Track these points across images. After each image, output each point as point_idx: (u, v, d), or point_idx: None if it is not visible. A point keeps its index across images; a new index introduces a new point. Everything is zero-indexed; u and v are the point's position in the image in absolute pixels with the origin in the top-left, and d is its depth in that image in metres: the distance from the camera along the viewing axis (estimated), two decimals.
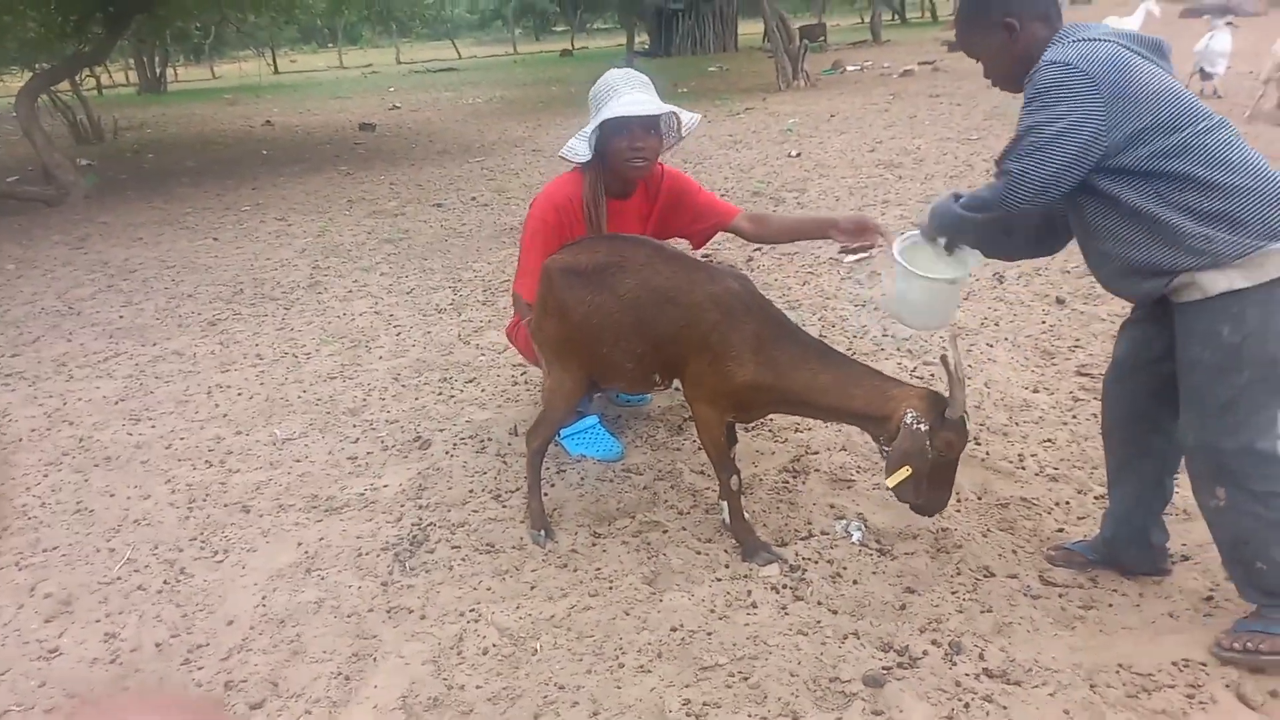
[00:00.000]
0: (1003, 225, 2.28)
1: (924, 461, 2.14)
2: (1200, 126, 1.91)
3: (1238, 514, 2.01)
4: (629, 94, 2.83)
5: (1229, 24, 10.63)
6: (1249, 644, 2.04)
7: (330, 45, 52.27)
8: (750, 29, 33.37)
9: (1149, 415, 2.21)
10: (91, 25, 12.61)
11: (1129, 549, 2.34)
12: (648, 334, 2.51)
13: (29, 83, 10.80)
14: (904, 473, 2.14)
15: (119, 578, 2.74)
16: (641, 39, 30.48)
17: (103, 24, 12.45)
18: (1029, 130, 1.96)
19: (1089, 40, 1.97)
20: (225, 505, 3.14)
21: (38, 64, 15.43)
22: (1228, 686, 2.00)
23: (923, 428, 2.13)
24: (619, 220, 3.07)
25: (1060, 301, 4.47)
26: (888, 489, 2.22)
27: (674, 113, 2.95)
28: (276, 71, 40.59)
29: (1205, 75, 10.58)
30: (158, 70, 31.23)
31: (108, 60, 19.52)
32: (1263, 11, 22.51)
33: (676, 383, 2.66)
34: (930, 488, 2.22)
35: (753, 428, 3.38)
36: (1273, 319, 1.90)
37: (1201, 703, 1.97)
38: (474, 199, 8.44)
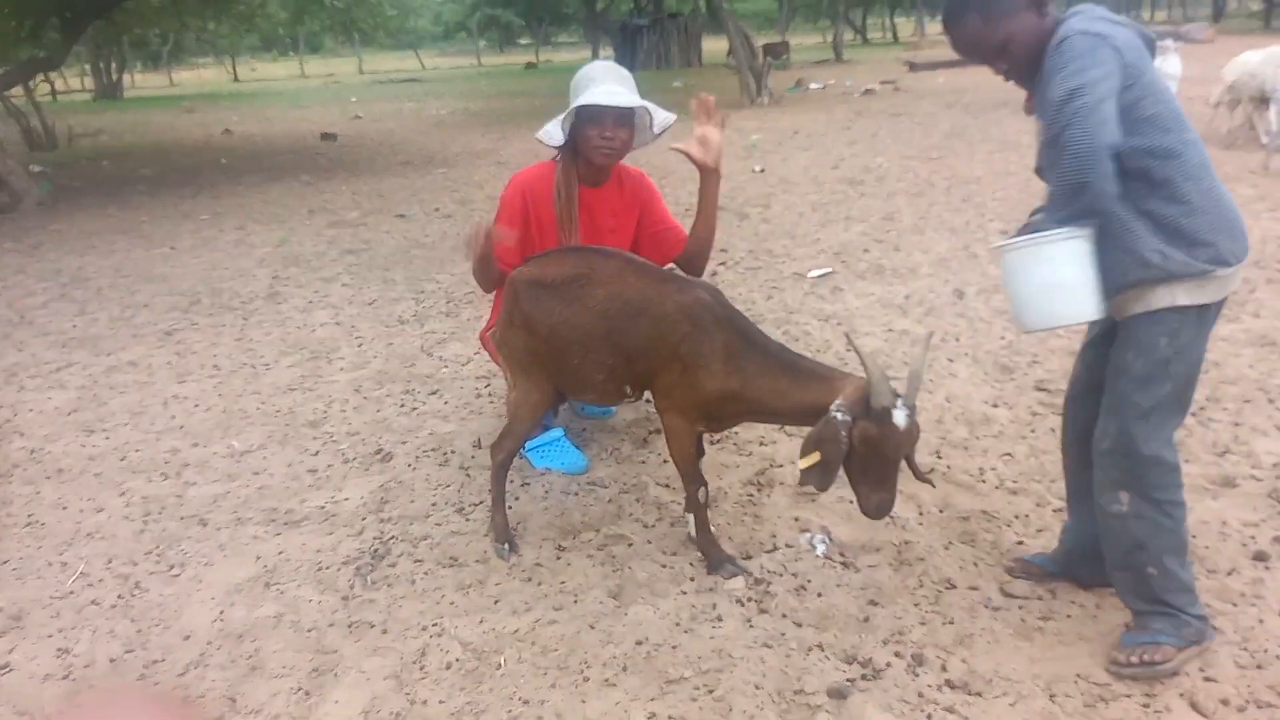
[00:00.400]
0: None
1: (835, 450, 2.11)
2: (1188, 136, 1.94)
3: (1139, 520, 2.06)
4: (607, 85, 2.90)
5: (1175, 49, 10.89)
6: (1143, 656, 2.09)
7: (292, 54, 51.80)
8: (715, 45, 33.66)
9: None
10: (48, 30, 12.39)
11: (1086, 562, 2.38)
12: (619, 346, 2.50)
13: None
14: (813, 458, 2.15)
15: (72, 592, 2.67)
16: (606, 53, 30.62)
17: (59, 29, 12.24)
18: (1077, 91, 1.81)
19: (1110, 20, 1.95)
20: (181, 518, 3.08)
21: None
22: (1182, 695, 2.05)
23: (840, 416, 2.11)
24: (592, 207, 3.12)
25: None
26: (799, 470, 2.20)
27: (647, 109, 2.99)
28: (236, 79, 40.12)
29: None
30: (114, 76, 30.73)
31: (63, 66, 19.15)
32: (1210, 39, 23.19)
33: (647, 395, 2.65)
34: (863, 482, 2.16)
35: (717, 440, 3.39)
36: (1198, 339, 2.01)
37: (1157, 711, 2.01)
38: (437, 210, 8.40)
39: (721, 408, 2.44)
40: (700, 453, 2.72)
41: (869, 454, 2.11)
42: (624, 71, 3.01)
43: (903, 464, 2.21)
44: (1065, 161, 1.84)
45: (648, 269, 2.58)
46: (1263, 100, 8.38)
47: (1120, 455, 2.05)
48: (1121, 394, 2.04)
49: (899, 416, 2.07)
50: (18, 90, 13.56)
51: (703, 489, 2.59)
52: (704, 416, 2.50)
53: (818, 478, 2.15)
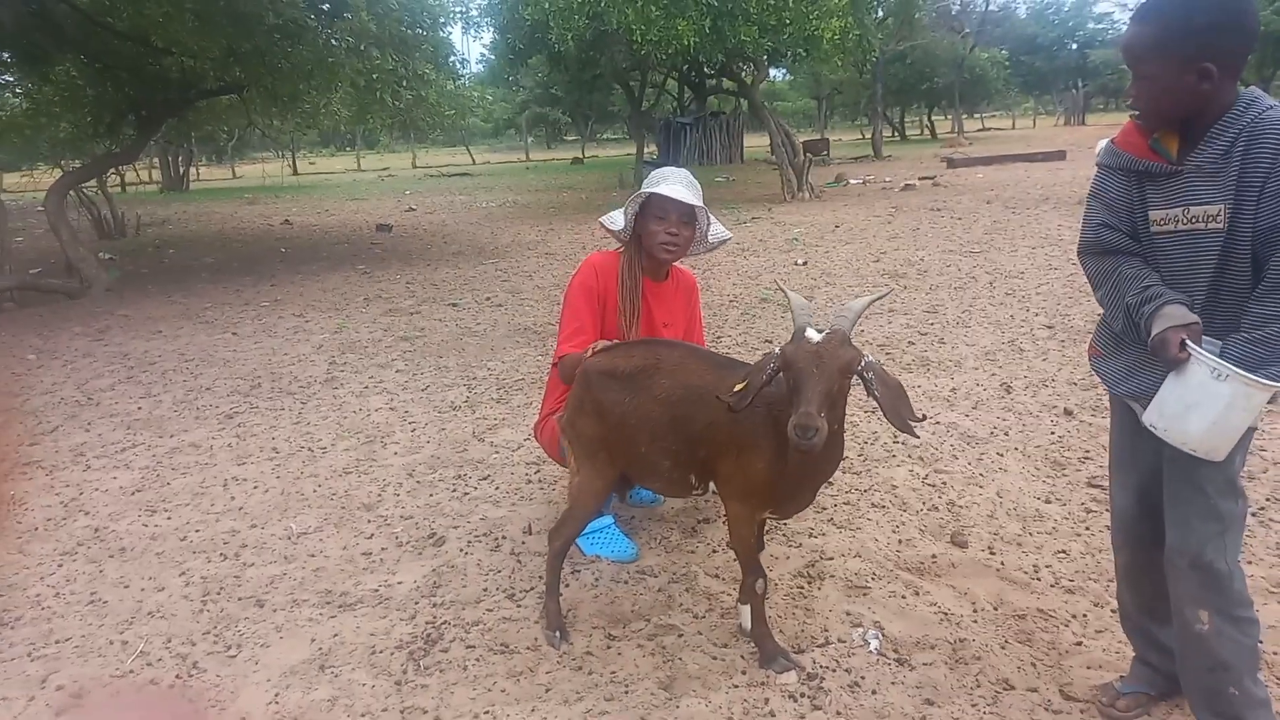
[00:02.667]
0: None
1: (758, 376, 2.22)
2: None
3: (1220, 639, 2.01)
4: (676, 185, 3.11)
5: None
6: None
7: (349, 149, 53.97)
8: (756, 142, 34.47)
9: None
10: (124, 127, 13.11)
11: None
12: (682, 433, 2.56)
13: (60, 180, 11.17)
14: (742, 384, 2.26)
15: (131, 671, 2.72)
16: (650, 149, 31.50)
17: (134, 126, 12.95)
18: None
19: None
20: (239, 599, 3.13)
21: (67, 161, 16.01)
22: None
23: (777, 350, 2.22)
24: (656, 299, 3.28)
25: (1069, 413, 4.53)
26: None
27: (708, 215, 3.19)
28: (296, 173, 41.80)
29: None
30: (181, 169, 32.20)
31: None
32: None
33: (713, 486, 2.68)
34: (791, 404, 2.13)
35: (767, 531, 3.39)
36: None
37: None
38: (488, 299, 8.61)
39: (778, 490, 2.45)
40: (760, 545, 2.73)
41: (787, 371, 2.16)
42: (694, 180, 3.20)
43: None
44: None
45: (709, 357, 2.67)
46: None
47: (1198, 572, 2.01)
48: (1197, 508, 2.01)
49: (810, 333, 2.16)
50: (90, 181, 14.29)
51: (761, 580, 2.58)
52: (764, 502, 2.51)
53: (738, 397, 2.25)
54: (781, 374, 2.19)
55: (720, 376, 2.52)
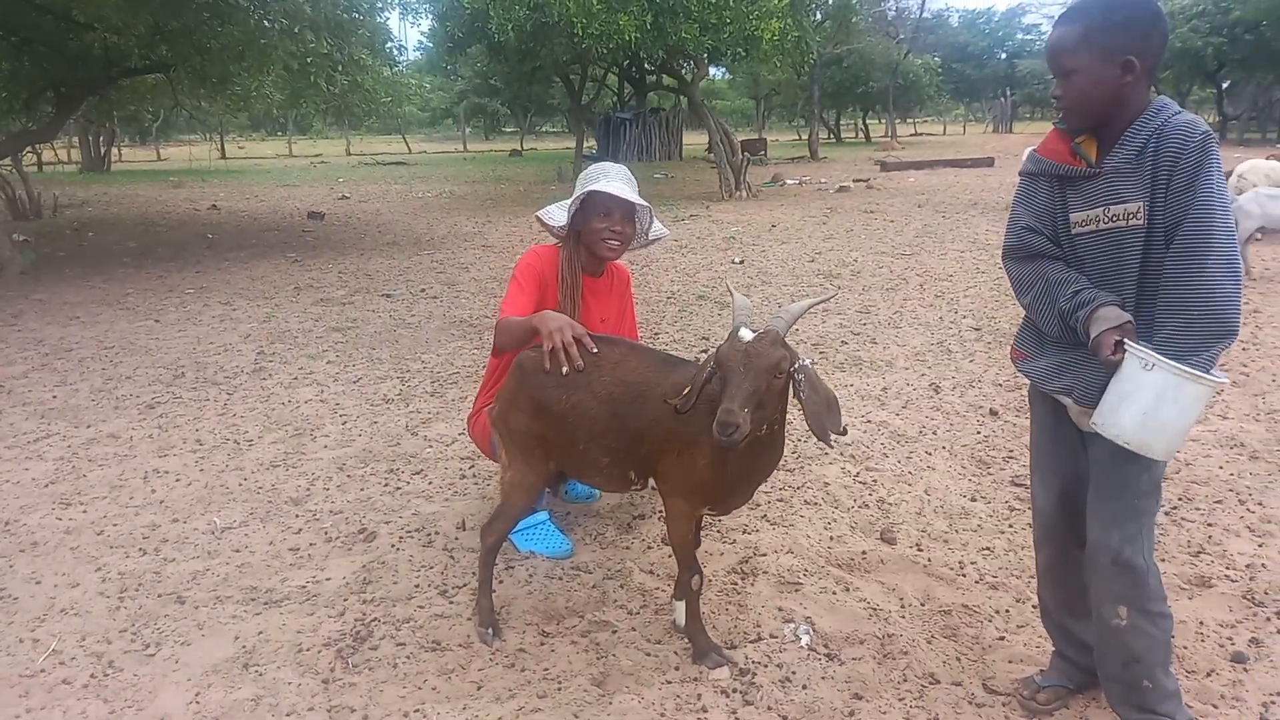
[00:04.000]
0: None
1: (700, 376, 2.29)
2: None
3: (1135, 633, 2.10)
4: (617, 182, 3.09)
5: None
6: None
7: (280, 134, 52.64)
8: (695, 139, 34.65)
9: None
10: (42, 104, 12.57)
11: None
12: (623, 429, 2.54)
13: None
14: (686, 388, 2.32)
15: (43, 670, 2.62)
16: (590, 144, 31.40)
17: (53, 103, 12.43)
18: (1228, 221, 1.90)
19: None
20: (159, 595, 3.03)
21: None
22: None
23: (715, 350, 2.27)
24: (594, 294, 3.25)
25: (994, 413, 4.65)
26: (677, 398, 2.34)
27: (650, 212, 3.20)
28: (224, 157, 40.60)
29: None
30: (102, 149, 31.01)
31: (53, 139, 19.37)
32: None
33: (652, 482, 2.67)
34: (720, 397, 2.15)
35: (702, 529, 3.41)
36: None
37: None
38: (423, 291, 8.49)
39: (718, 487, 2.47)
40: (696, 542, 2.75)
41: (718, 369, 2.20)
42: (631, 177, 3.19)
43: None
44: (1220, 303, 1.87)
45: (649, 354, 2.66)
46: None
47: (1122, 568, 2.08)
48: (1124, 507, 2.08)
49: (743, 332, 2.20)
50: (4, 160, 13.67)
51: (697, 577, 2.60)
52: (704, 499, 2.52)
53: (684, 399, 2.31)
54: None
55: (662, 374, 2.53)
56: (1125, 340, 1.93)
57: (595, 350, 2.62)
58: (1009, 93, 52.70)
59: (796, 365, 2.20)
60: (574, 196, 3.11)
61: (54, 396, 5.26)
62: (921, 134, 52.33)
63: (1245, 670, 2.52)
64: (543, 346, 2.62)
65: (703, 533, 3.37)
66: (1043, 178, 2.16)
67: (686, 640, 2.67)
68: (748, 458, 2.35)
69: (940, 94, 49.26)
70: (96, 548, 3.39)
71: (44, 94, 12.40)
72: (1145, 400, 1.87)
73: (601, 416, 2.56)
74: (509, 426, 2.73)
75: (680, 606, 2.76)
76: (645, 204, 3.13)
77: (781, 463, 3.95)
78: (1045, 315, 2.13)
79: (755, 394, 2.11)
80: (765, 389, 2.14)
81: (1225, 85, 37.89)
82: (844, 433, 2.30)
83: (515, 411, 2.70)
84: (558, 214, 3.15)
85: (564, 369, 2.57)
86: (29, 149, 19.24)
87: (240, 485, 3.95)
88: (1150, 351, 1.88)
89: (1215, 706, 2.37)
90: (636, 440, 2.54)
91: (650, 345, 2.85)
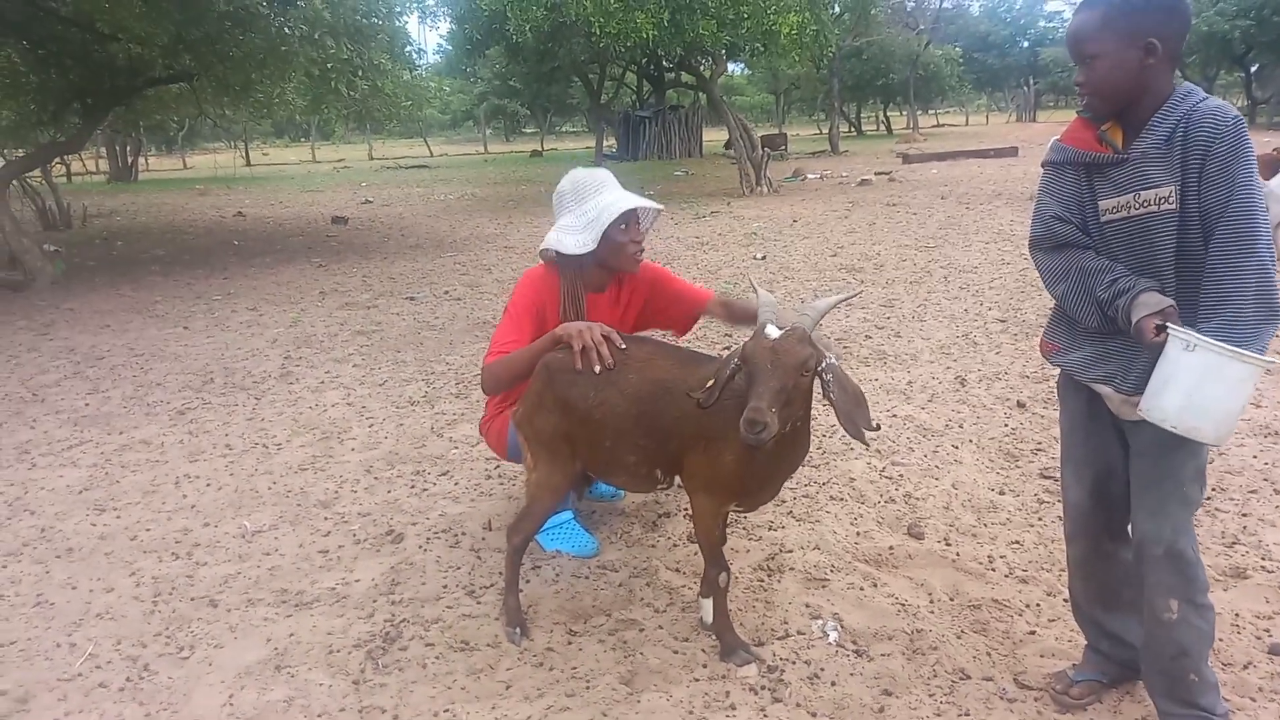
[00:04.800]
0: None
1: (723, 373, 2.26)
2: None
3: (1185, 626, 2.06)
4: (619, 190, 2.96)
5: None
6: None
7: (303, 140, 53.08)
8: (714, 136, 34.58)
9: None
10: (69, 115, 12.76)
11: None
12: (650, 428, 2.55)
13: (1, 169, 10.85)
14: (711, 381, 2.30)
15: (80, 674, 2.66)
16: (609, 142, 31.43)
17: (80, 114, 12.61)
18: (1249, 200, 1.88)
19: None
20: (192, 599, 3.07)
21: (9, 150, 15.54)
22: None
23: (741, 346, 2.23)
24: (596, 311, 3.07)
25: (1021, 405, 4.61)
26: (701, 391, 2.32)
27: (653, 212, 3.11)
28: (249, 164, 41.02)
29: None
30: (129, 159, 31.43)
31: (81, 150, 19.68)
32: None
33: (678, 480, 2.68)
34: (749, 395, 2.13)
35: (728, 525, 3.40)
36: None
37: None
38: (447, 293, 8.54)
39: (744, 483, 2.46)
40: (722, 539, 2.74)
41: (744, 366, 2.18)
42: (611, 175, 3.05)
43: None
44: (1267, 287, 1.87)
45: (676, 352, 2.66)
46: None
47: (1174, 559, 2.05)
48: (1172, 496, 2.05)
49: (770, 330, 2.16)
50: (35, 171, 13.89)
51: (724, 574, 2.59)
52: (731, 495, 2.52)
53: (707, 394, 2.28)
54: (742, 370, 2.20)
55: (688, 371, 2.53)
56: (1168, 324, 1.90)
57: (625, 347, 2.62)
58: (1032, 81, 52.13)
59: (824, 363, 2.18)
60: (578, 219, 2.92)
61: (86, 404, 5.34)
62: (944, 125, 51.88)
63: None
64: (572, 347, 2.61)
65: (728, 530, 3.37)
66: (1068, 167, 2.13)
67: (714, 637, 2.67)
68: (774, 454, 2.34)
69: (962, 84, 48.82)
70: (130, 552, 3.44)
71: (71, 105, 12.57)
72: (1188, 381, 1.85)
73: (629, 415, 2.56)
74: (534, 427, 2.74)
75: (706, 604, 2.76)
76: (660, 207, 3.06)
77: (807, 458, 3.95)
78: (1081, 305, 2.10)
79: (783, 392, 2.10)
80: (793, 387, 2.13)
81: (1254, 69, 37.25)
82: (877, 428, 2.28)
83: (541, 412, 2.71)
84: (570, 240, 2.91)
85: (596, 368, 2.57)
86: (58, 160, 19.52)
87: (270, 489, 3.99)
88: (1192, 333, 1.85)
89: (1254, 699, 2.34)
90: (664, 438, 2.54)
91: (677, 344, 2.81)
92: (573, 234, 2.93)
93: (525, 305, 2.99)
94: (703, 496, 2.55)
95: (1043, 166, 2.23)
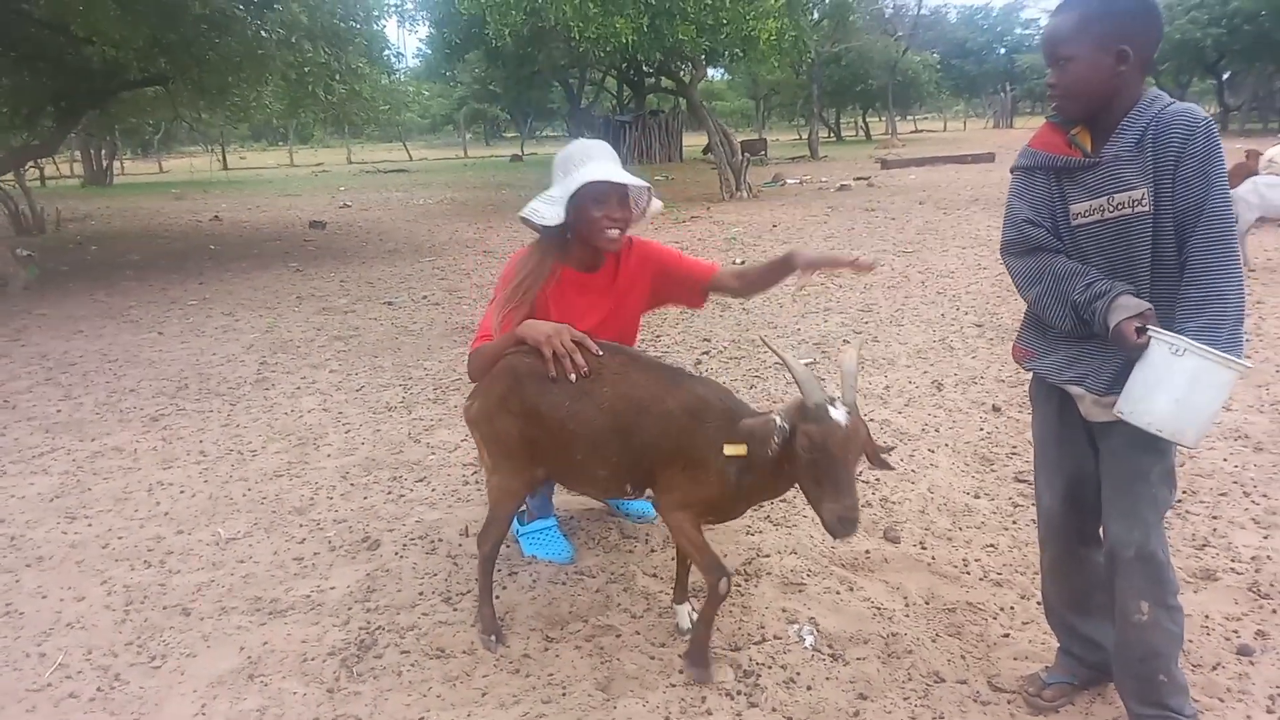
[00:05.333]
0: None
1: (763, 450, 2.13)
2: None
3: (1156, 628, 2.08)
4: (604, 163, 2.77)
5: None
6: None
7: (281, 144, 52.76)
8: (694, 141, 34.65)
9: None
10: (42, 118, 12.62)
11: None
12: (626, 444, 2.49)
13: None
14: (739, 449, 2.19)
15: (49, 684, 2.62)
16: None
17: (54, 117, 12.47)
18: (1224, 200, 1.93)
19: None
20: (164, 608, 3.04)
21: None
22: None
23: (778, 421, 2.12)
24: (583, 295, 2.92)
25: (996, 409, 4.65)
26: (724, 453, 2.22)
27: (650, 192, 2.91)
28: (226, 168, 40.68)
29: None
30: (104, 162, 31.10)
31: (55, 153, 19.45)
32: None
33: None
34: (820, 492, 2.09)
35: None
36: None
37: None
38: (425, 298, 8.50)
39: (721, 505, 2.44)
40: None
41: (817, 456, 2.07)
42: (611, 150, 2.88)
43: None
44: (1238, 286, 1.90)
45: (651, 366, 2.59)
46: None
47: (1145, 562, 2.06)
48: (1143, 498, 2.06)
49: (838, 413, 2.06)
50: (7, 175, 13.73)
51: (725, 580, 2.43)
52: (704, 513, 2.49)
53: (738, 470, 2.20)
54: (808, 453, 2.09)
55: (668, 389, 2.48)
56: (1150, 327, 1.91)
57: (600, 353, 2.55)
58: (1009, 88, 52.67)
59: None
60: (561, 186, 2.75)
61: (58, 410, 5.28)
62: (922, 131, 52.30)
63: (1251, 663, 2.51)
64: (543, 354, 2.53)
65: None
66: (1039, 171, 2.14)
67: (689, 641, 2.68)
68: (761, 483, 2.35)
69: (940, 90, 49.26)
70: (102, 560, 3.40)
71: (45, 108, 12.45)
72: (1179, 386, 1.85)
73: (604, 430, 2.50)
74: (493, 428, 2.66)
75: (682, 610, 2.78)
76: (644, 183, 2.85)
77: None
78: (1054, 309, 2.10)
79: (854, 476, 2.08)
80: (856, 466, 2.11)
81: (1225, 76, 37.82)
82: (892, 448, 2.28)
83: (504, 415, 2.63)
84: (545, 210, 2.76)
85: (571, 375, 2.50)
86: (31, 164, 19.29)
87: (244, 496, 3.96)
88: (1179, 337, 1.87)
89: (1222, 700, 2.37)
90: (639, 454, 2.50)
91: (647, 352, 2.70)
92: (549, 204, 2.77)
93: (512, 277, 2.86)
94: (678, 512, 2.49)
95: (1012, 172, 2.25)
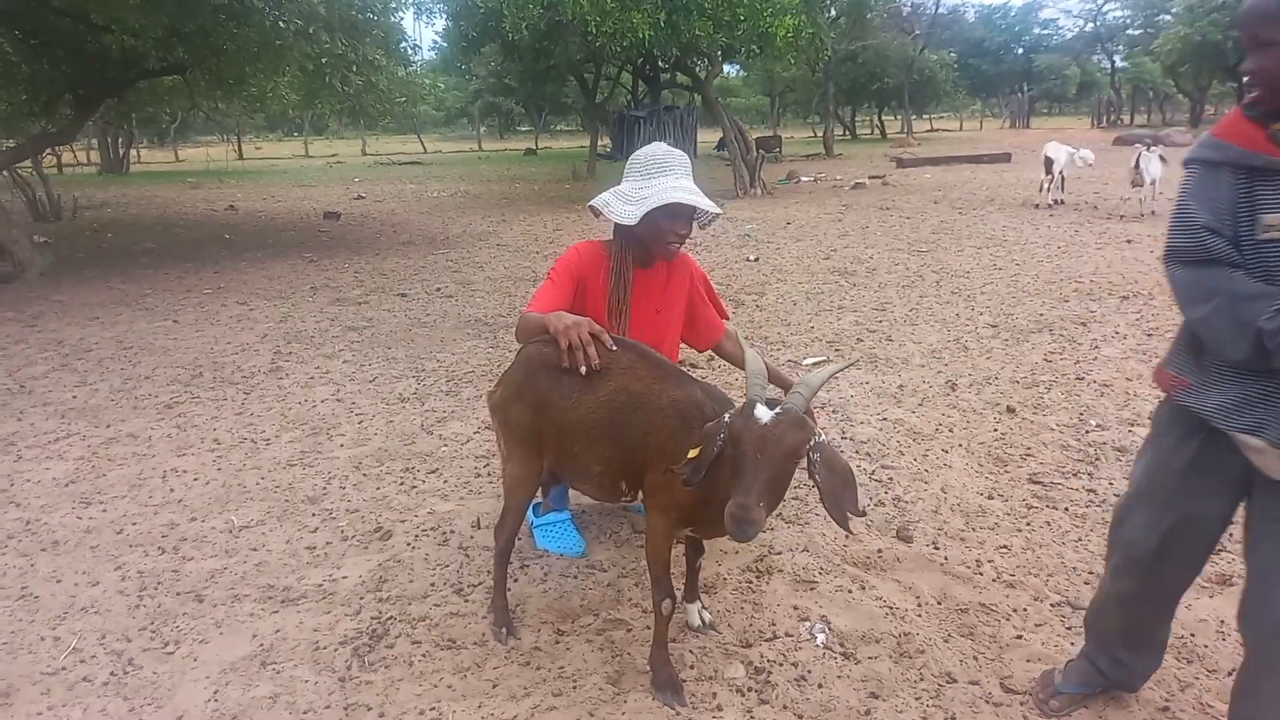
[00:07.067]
0: None
1: (710, 446, 2.07)
2: None
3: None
4: (684, 180, 2.84)
5: (1159, 152, 11.50)
6: None
7: (297, 134, 52.93)
8: (709, 137, 34.59)
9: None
10: (61, 106, 12.68)
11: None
12: (617, 439, 2.46)
13: None
14: (695, 451, 2.12)
15: (63, 668, 2.64)
16: (604, 142, 31.37)
17: (72, 105, 12.53)
18: None
19: None
20: (177, 594, 3.06)
21: (1, 142, 15.45)
22: None
23: (726, 418, 2.05)
24: (642, 287, 3.03)
25: (1011, 410, 4.62)
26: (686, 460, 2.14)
27: (716, 214, 2.99)
28: (241, 157, 40.87)
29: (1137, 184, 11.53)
30: (120, 151, 31.27)
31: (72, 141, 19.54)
32: (1189, 143, 23.96)
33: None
34: (732, 485, 1.95)
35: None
36: None
37: None
38: (438, 290, 8.52)
39: (702, 512, 2.31)
40: (699, 552, 2.73)
41: (733, 449, 1.98)
42: (687, 162, 2.93)
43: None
44: None
45: (658, 364, 2.53)
46: None
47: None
48: None
49: (759, 411, 1.96)
50: (25, 162, 13.81)
51: (668, 601, 2.43)
52: (686, 520, 2.40)
53: (691, 470, 2.11)
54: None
55: (663, 387, 2.43)
56: None
57: (614, 348, 2.54)
58: (1026, 88, 52.34)
59: (812, 443, 1.98)
60: (635, 189, 2.84)
61: (74, 396, 5.31)
62: (938, 130, 52.05)
63: None
64: (559, 344, 2.54)
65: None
66: (1226, 168, 1.80)
67: (701, 638, 2.67)
68: (728, 487, 2.27)
69: (956, 90, 49.02)
70: (116, 546, 3.42)
71: (63, 96, 12.50)
72: None
73: (599, 423, 2.47)
74: (509, 416, 2.67)
75: (691, 608, 2.77)
76: (718, 210, 2.93)
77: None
78: (1227, 334, 1.76)
79: (771, 482, 1.93)
80: (781, 474, 1.96)
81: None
82: (863, 513, 2.14)
83: (518, 404, 2.63)
84: (621, 210, 2.83)
85: (582, 368, 2.49)
86: (49, 151, 19.41)
87: (257, 484, 3.97)
88: None
89: None
90: (629, 452, 2.44)
91: (661, 355, 2.69)
92: (624, 202, 2.85)
93: (567, 270, 2.94)
94: (657, 516, 2.44)
95: (1188, 165, 1.90)
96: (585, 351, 2.50)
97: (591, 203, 2.94)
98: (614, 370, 2.51)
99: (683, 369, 2.59)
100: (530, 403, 2.61)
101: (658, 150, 2.92)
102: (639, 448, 2.42)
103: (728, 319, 3.32)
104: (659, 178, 2.84)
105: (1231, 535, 3.22)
